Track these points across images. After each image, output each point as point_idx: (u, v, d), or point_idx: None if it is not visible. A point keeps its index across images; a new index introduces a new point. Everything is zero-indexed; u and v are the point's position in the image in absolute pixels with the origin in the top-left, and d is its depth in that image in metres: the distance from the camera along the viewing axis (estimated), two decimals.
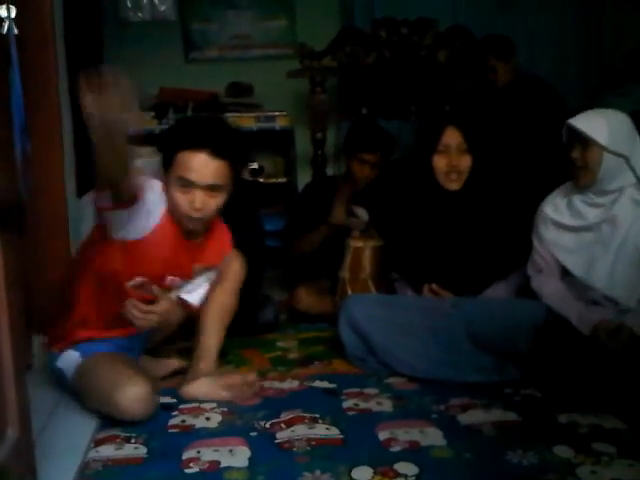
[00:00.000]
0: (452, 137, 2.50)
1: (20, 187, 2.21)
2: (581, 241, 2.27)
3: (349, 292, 2.92)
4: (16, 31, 2.48)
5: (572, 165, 2.24)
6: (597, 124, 2.18)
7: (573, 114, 2.29)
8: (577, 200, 2.28)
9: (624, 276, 2.19)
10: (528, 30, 4.31)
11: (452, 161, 2.48)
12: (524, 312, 2.35)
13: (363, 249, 2.96)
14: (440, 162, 2.49)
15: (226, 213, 3.08)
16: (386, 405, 2.21)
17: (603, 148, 2.17)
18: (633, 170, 2.20)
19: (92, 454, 1.92)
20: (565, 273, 2.32)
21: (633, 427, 1.97)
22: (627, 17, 4.24)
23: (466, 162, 2.50)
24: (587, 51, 4.44)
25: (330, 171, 4.12)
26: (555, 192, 2.38)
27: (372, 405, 2.21)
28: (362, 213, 3.21)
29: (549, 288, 2.33)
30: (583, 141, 2.19)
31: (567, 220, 2.30)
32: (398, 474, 1.75)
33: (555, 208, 2.33)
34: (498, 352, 2.35)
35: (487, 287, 2.54)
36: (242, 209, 3.13)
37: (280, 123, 3.98)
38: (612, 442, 1.87)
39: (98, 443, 1.99)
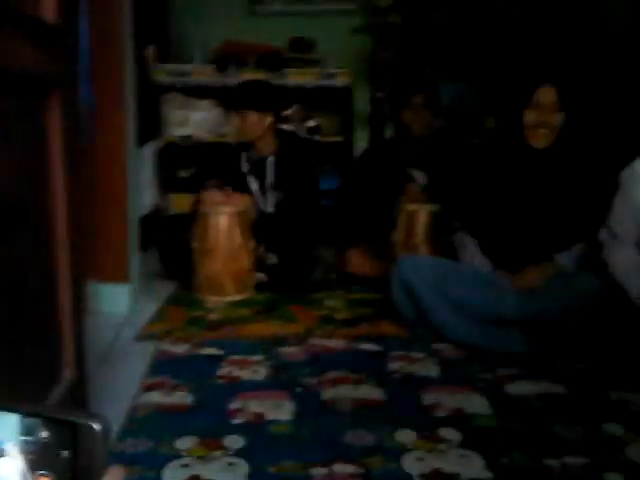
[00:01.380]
0: (546, 95, 2.43)
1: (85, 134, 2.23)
2: None
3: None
4: None
5: None
6: None
7: None
8: None
9: None
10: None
11: (542, 116, 2.43)
12: (581, 285, 2.30)
13: (417, 213, 2.92)
14: (530, 116, 2.44)
15: (285, 173, 3.09)
16: (432, 370, 2.20)
17: None
18: None
19: (141, 399, 1.97)
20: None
21: None
22: None
23: (557, 119, 2.44)
24: None
25: (388, 132, 4.05)
26: None
27: (418, 369, 2.20)
28: (420, 177, 3.16)
29: (620, 256, 2.21)
30: None
31: None
32: (441, 439, 1.74)
33: None
34: (550, 322, 2.30)
35: (556, 252, 2.47)
36: (298, 167, 3.13)
37: (340, 80, 3.92)
38: None
39: (147, 388, 2.04)
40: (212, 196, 3.01)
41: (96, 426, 0.47)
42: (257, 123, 3.05)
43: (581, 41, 3.51)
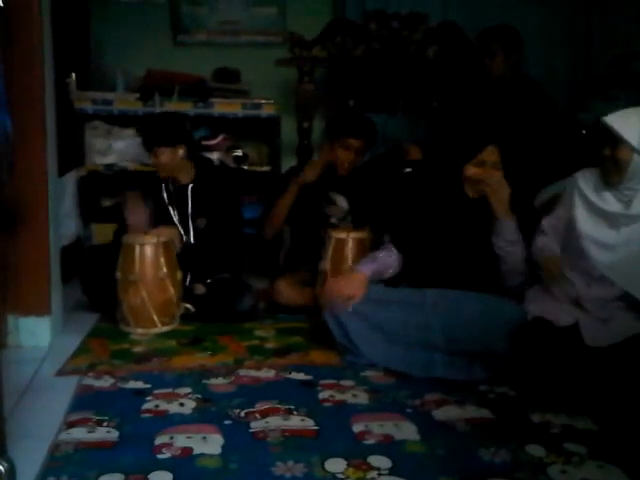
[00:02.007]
0: (491, 154, 2.58)
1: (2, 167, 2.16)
2: (598, 223, 2.29)
3: None
4: (1, 4, 2.43)
5: (602, 162, 2.26)
6: (630, 123, 2.19)
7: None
8: (606, 188, 2.29)
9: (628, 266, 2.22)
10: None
11: (484, 173, 2.57)
12: (502, 313, 2.38)
13: (346, 240, 2.96)
14: (473, 172, 2.58)
15: (205, 199, 3.08)
16: (362, 398, 2.21)
17: (633, 148, 2.18)
18: None
19: (63, 436, 1.91)
20: (563, 249, 2.39)
21: (604, 428, 1.99)
22: (615, 21, 4.25)
23: (496, 177, 2.58)
24: (574, 55, 4.45)
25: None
26: (590, 170, 2.37)
27: (348, 397, 2.21)
28: (341, 201, 3.20)
29: (544, 242, 2.42)
30: (613, 140, 2.20)
31: (592, 197, 2.31)
32: (371, 467, 1.75)
33: (585, 183, 2.35)
34: (473, 352, 2.37)
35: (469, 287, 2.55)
36: (218, 193, 3.12)
37: (266, 111, 3.95)
38: (583, 443, 1.90)
39: (70, 425, 1.97)
40: (136, 228, 2.98)
41: (1, 467, 0.46)
42: (171, 157, 3.03)
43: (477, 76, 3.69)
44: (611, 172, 2.24)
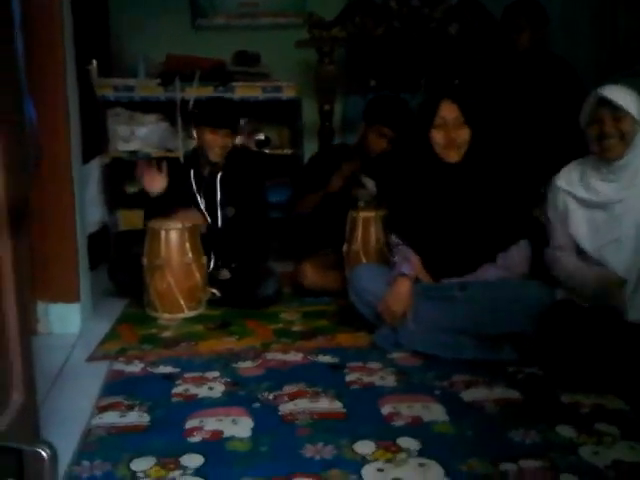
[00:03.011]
0: (448, 111, 2.47)
1: (27, 156, 2.17)
2: (593, 217, 2.24)
3: (364, 262, 2.92)
4: None
5: (600, 138, 2.19)
6: (630, 94, 2.16)
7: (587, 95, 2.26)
8: (591, 176, 2.26)
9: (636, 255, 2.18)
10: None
11: (450, 134, 2.46)
12: (529, 294, 2.35)
13: (374, 219, 2.94)
14: (438, 136, 2.47)
15: (234, 188, 3.08)
16: (389, 380, 2.21)
17: (634, 119, 2.14)
18: None
19: (96, 420, 1.93)
20: (578, 250, 2.30)
21: (636, 408, 1.97)
22: None
23: (464, 135, 2.48)
24: (600, 32, 4.36)
25: (337, 143, 4.09)
26: (568, 167, 2.35)
27: (375, 379, 2.21)
28: (370, 184, 3.19)
29: (563, 262, 2.31)
30: (614, 112, 2.15)
31: (581, 194, 2.27)
32: (401, 449, 1.76)
33: (569, 182, 2.31)
34: (501, 334, 2.35)
35: (482, 264, 2.51)
36: (249, 183, 3.12)
37: (287, 93, 3.93)
38: (615, 423, 1.88)
39: (102, 410, 2.00)
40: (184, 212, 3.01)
41: (44, 453, 0.46)
42: (228, 143, 3.05)
43: (485, 58, 3.64)
44: (614, 147, 2.17)
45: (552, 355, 2.18)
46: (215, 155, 3.05)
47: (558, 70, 3.43)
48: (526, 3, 3.50)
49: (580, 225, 2.27)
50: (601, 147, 2.20)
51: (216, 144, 3.02)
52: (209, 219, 3.09)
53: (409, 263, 2.49)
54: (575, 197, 2.28)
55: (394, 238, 2.58)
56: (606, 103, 2.17)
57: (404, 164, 2.71)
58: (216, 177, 3.10)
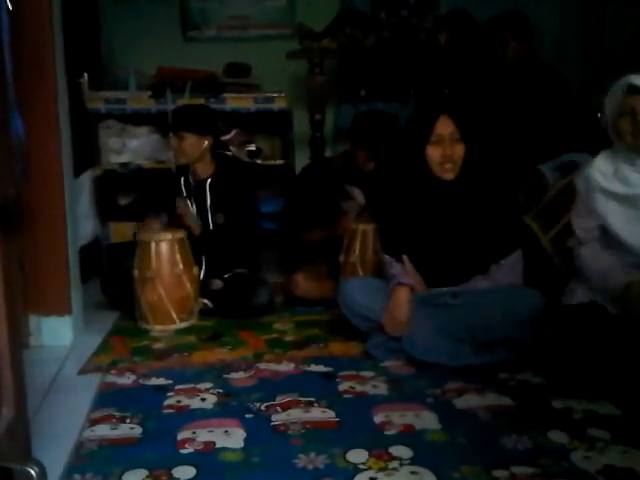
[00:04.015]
0: (444, 127, 2.43)
1: (16, 170, 2.17)
2: (631, 209, 2.18)
3: (361, 274, 2.94)
4: (10, 7, 2.44)
5: (635, 128, 2.10)
6: None
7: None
8: (625, 168, 2.18)
9: None
10: (529, 15, 4.26)
11: (446, 151, 2.43)
12: (523, 301, 2.35)
13: (373, 231, 2.95)
14: (434, 153, 2.44)
15: (223, 195, 3.10)
16: (382, 388, 2.21)
17: None
18: None
19: (87, 433, 1.93)
20: (605, 244, 2.24)
21: (628, 413, 1.97)
22: (630, 2, 4.19)
23: (459, 151, 2.45)
24: (588, 37, 4.41)
25: (329, 153, 4.10)
26: (599, 160, 2.27)
27: (368, 388, 2.21)
28: (358, 195, 3.19)
29: (587, 256, 2.24)
30: None
31: (617, 188, 2.19)
32: (393, 457, 1.75)
33: (605, 176, 2.22)
34: (495, 340, 2.36)
35: (474, 275, 2.51)
36: (237, 189, 3.13)
37: (278, 104, 3.94)
38: (607, 428, 1.88)
39: (93, 422, 1.99)
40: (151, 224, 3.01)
41: (32, 471, 0.47)
42: (195, 145, 3.06)
43: (490, 61, 3.65)
44: None
45: (545, 361, 2.18)
46: (183, 159, 3.11)
47: (546, 80, 3.45)
48: (509, 17, 3.50)
49: (617, 218, 2.19)
50: (636, 137, 2.12)
51: (178, 148, 3.08)
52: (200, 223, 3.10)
53: (406, 273, 2.49)
54: (612, 192, 2.19)
55: (387, 257, 2.56)
56: (637, 91, 2.10)
57: (395, 181, 2.68)
58: (206, 183, 3.11)
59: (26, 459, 0.42)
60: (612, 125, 2.20)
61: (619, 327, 2.11)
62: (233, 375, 2.34)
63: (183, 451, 1.81)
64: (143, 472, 1.71)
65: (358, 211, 3.10)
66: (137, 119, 3.93)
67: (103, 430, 1.95)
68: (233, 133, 3.94)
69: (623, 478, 1.65)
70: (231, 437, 1.88)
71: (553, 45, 4.26)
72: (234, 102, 3.91)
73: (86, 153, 3.67)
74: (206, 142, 3.08)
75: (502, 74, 3.52)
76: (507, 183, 2.75)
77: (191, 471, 1.71)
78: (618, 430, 1.87)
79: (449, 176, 2.46)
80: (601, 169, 2.24)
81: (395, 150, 3.05)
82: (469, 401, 2.09)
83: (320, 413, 2.03)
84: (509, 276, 2.47)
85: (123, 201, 4.01)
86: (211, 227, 3.11)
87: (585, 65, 4.33)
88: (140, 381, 2.31)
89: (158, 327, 2.87)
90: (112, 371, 2.40)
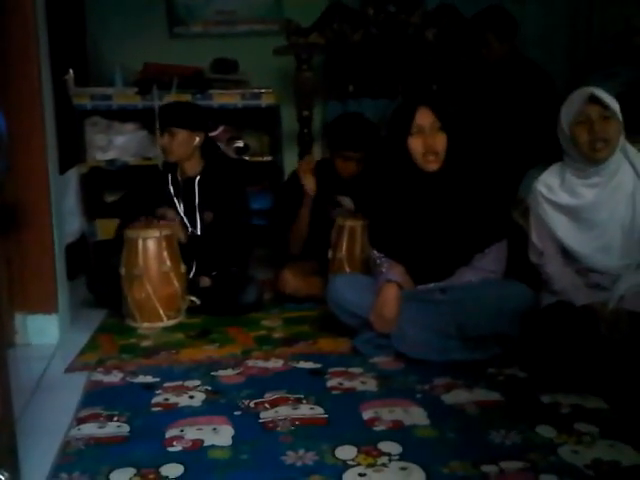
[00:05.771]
0: (424, 117, 2.43)
1: None
2: (577, 223, 2.23)
3: (347, 271, 2.93)
4: None
5: (591, 139, 2.14)
6: (610, 95, 2.15)
7: (562, 99, 2.26)
8: (572, 180, 2.24)
9: (623, 250, 2.19)
10: (515, 10, 4.26)
11: (427, 141, 2.42)
12: (512, 296, 2.35)
13: (360, 228, 2.94)
14: (416, 144, 2.43)
15: (212, 192, 3.08)
16: (370, 384, 2.21)
17: (619, 121, 2.14)
18: (624, 149, 2.20)
19: (74, 432, 1.91)
20: (564, 255, 2.29)
21: (615, 407, 1.99)
22: None
23: (441, 141, 2.44)
24: (575, 32, 4.42)
25: (317, 149, 4.09)
26: (546, 173, 2.33)
27: (356, 384, 2.21)
28: (347, 202, 3.19)
29: (550, 269, 2.29)
30: (604, 111, 2.13)
31: (563, 200, 2.25)
32: (382, 453, 1.75)
33: (549, 188, 2.28)
34: (484, 334, 2.36)
35: (459, 267, 2.50)
36: (225, 186, 3.11)
37: (266, 100, 3.92)
38: (594, 422, 1.89)
39: (80, 421, 1.98)
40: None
41: (2, 477, 0.46)
42: (187, 141, 3.04)
43: (475, 58, 3.66)
44: (603, 149, 2.15)
45: (534, 355, 2.19)
46: (172, 157, 3.08)
47: (531, 76, 3.46)
48: (491, 17, 3.50)
49: (566, 231, 2.25)
50: (592, 148, 2.16)
51: (168, 145, 3.05)
52: (188, 224, 3.08)
53: (394, 271, 2.49)
54: (558, 204, 2.26)
55: (376, 253, 2.56)
56: (596, 101, 2.14)
57: (380, 177, 2.66)
58: (194, 181, 3.09)
59: None
60: (568, 133, 2.22)
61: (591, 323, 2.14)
62: (221, 372, 2.33)
63: (171, 449, 1.81)
64: (131, 471, 1.70)
65: (348, 217, 3.08)
66: (123, 115, 3.90)
67: (90, 429, 1.93)
68: (220, 130, 3.92)
69: (610, 472, 1.66)
70: (219, 434, 1.88)
71: (539, 40, 4.26)
72: (221, 98, 3.89)
73: (72, 150, 3.64)
74: (197, 138, 3.05)
75: (487, 71, 3.53)
76: (493, 175, 2.74)
77: (179, 469, 1.70)
78: (605, 424, 1.88)
79: (433, 167, 2.45)
80: (547, 182, 2.30)
81: (378, 146, 3.05)
82: (458, 396, 2.10)
83: (309, 410, 2.02)
84: (493, 265, 2.47)
85: (110, 198, 3.98)
86: (199, 226, 3.09)
87: (571, 61, 4.34)
88: (127, 379, 2.30)
89: (145, 325, 2.85)
90: (99, 369, 2.38)
